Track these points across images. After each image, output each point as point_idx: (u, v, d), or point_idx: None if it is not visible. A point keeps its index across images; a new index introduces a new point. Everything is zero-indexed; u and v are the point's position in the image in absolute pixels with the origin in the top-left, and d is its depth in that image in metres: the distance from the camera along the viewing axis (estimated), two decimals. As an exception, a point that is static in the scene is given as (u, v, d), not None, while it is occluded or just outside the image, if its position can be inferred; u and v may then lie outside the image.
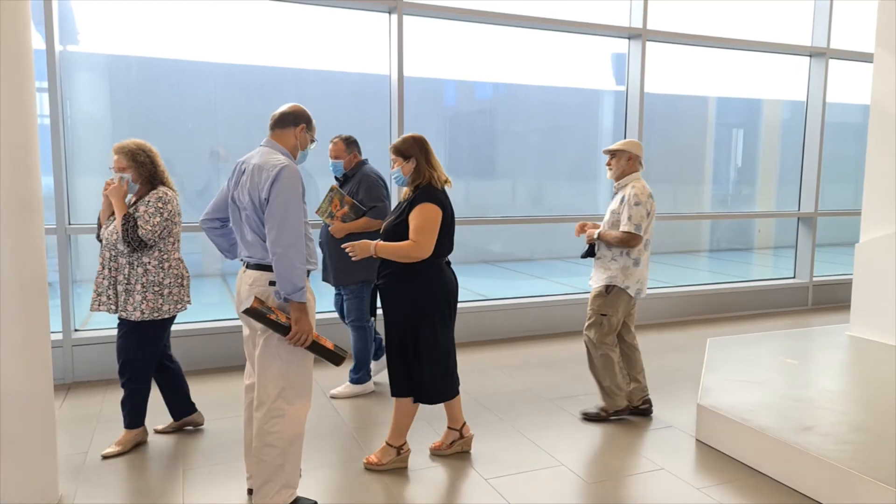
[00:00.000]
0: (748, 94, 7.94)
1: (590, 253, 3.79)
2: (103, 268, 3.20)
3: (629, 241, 3.52)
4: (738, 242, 9.00)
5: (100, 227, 3.27)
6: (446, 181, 3.04)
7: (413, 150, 2.99)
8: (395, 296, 2.98)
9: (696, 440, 3.46)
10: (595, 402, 3.90)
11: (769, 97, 8.03)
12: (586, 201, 7.12)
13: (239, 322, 4.46)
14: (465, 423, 3.33)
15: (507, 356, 5.12)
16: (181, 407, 3.55)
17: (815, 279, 7.20)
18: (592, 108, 7.16)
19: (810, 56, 7.02)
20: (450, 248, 3.05)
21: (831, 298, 7.27)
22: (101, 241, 3.24)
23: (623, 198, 3.58)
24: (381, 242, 2.93)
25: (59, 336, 4.36)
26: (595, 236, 3.68)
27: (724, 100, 8.02)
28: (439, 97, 6.98)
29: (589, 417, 3.77)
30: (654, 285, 6.74)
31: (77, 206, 4.65)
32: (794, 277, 7.32)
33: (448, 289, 3.03)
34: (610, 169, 3.69)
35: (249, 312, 2.45)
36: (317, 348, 2.59)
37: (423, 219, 2.87)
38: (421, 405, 3.12)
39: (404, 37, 5.12)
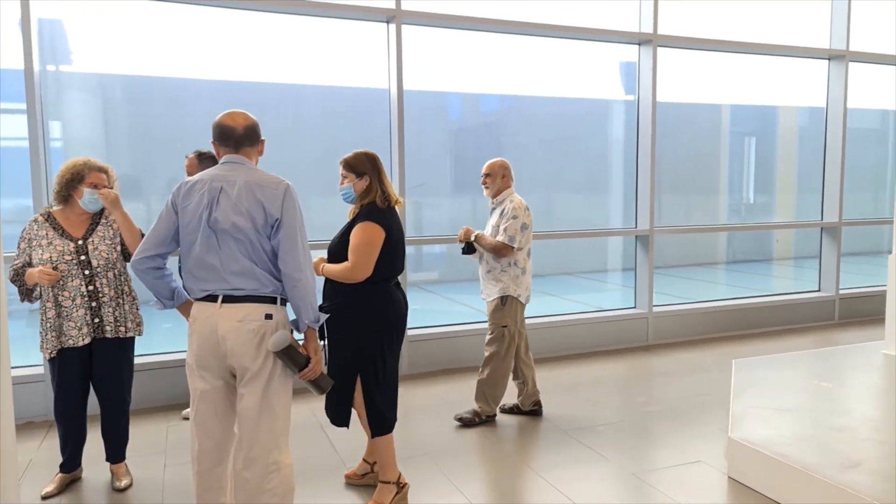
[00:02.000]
0: (763, 100, 7.66)
1: (469, 250, 3.89)
2: (75, 296, 2.95)
3: (501, 251, 3.72)
4: (757, 253, 8.66)
5: (80, 252, 2.99)
6: (396, 201, 2.88)
7: (366, 167, 2.84)
8: (338, 320, 2.78)
9: (729, 478, 3.14)
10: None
11: (785, 103, 7.73)
12: (597, 214, 6.83)
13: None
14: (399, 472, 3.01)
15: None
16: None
17: (840, 292, 6.85)
18: (601, 119, 6.91)
19: (829, 59, 6.73)
20: (398, 270, 2.90)
21: (858, 312, 6.91)
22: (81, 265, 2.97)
23: (502, 211, 3.80)
24: (327, 264, 2.84)
25: (41, 370, 4.11)
26: (472, 238, 3.82)
27: (739, 107, 7.74)
28: (444, 111, 6.81)
29: (465, 422, 3.88)
30: (670, 301, 6.44)
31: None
32: (819, 291, 6.97)
33: (395, 313, 2.87)
34: (486, 188, 3.90)
35: (287, 352, 2.21)
36: (321, 378, 2.37)
37: (362, 239, 2.73)
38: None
39: (404, 48, 4.89)
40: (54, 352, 2.96)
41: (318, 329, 2.34)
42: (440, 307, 6.86)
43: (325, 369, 2.43)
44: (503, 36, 5.59)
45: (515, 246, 3.71)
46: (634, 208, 6.04)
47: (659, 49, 5.76)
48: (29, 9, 3.94)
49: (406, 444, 3.57)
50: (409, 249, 4.01)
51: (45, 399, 4.08)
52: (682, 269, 8.27)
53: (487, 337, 3.89)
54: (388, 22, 4.90)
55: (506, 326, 3.82)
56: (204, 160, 3.74)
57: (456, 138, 6.96)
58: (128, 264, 3.08)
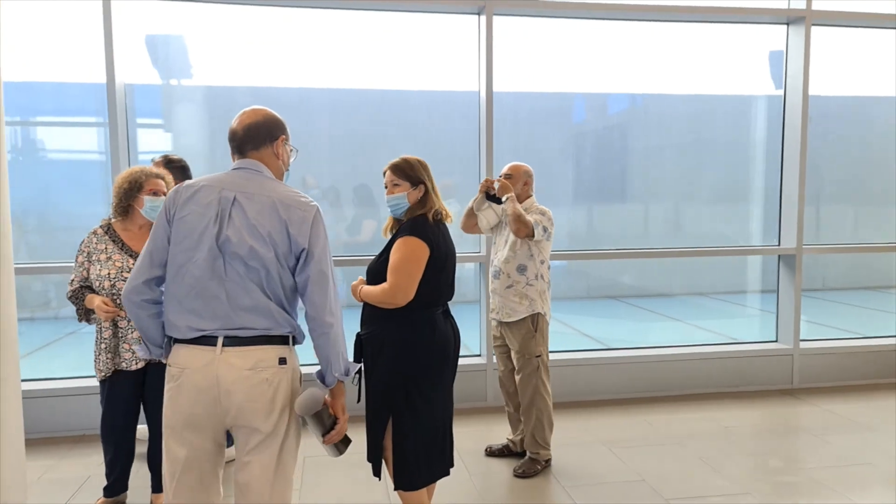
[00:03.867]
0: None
1: (493, 198, 3.34)
2: (108, 324, 2.80)
3: (523, 222, 3.14)
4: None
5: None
6: (447, 216, 2.51)
7: (422, 175, 2.48)
8: (375, 351, 2.40)
9: None
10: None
11: None
12: (735, 228, 5.85)
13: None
14: None
15: (618, 426, 4.06)
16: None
17: None
18: (744, 118, 5.93)
19: None
20: (446, 296, 2.51)
21: None
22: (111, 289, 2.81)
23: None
24: (366, 286, 2.46)
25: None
26: (504, 198, 3.23)
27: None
28: (567, 113, 6.26)
29: (527, 474, 3.29)
30: (825, 334, 5.31)
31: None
32: None
33: (442, 345, 2.44)
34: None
35: (319, 415, 1.87)
36: (345, 440, 2.00)
37: (403, 256, 2.33)
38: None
39: (503, 42, 4.40)
40: (108, 373, 2.81)
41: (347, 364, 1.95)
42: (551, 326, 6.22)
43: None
44: (627, 25, 4.91)
45: (536, 235, 3.20)
46: (778, 222, 5.05)
47: (813, 28, 4.74)
48: (111, 23, 3.90)
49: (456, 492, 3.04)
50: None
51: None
52: (844, 294, 6.94)
53: (519, 373, 3.31)
54: (478, 13, 4.41)
55: (539, 356, 3.28)
56: (174, 168, 3.31)
57: (578, 143, 6.39)
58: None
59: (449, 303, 2.55)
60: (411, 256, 2.32)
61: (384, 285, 2.34)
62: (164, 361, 1.91)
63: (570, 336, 5.75)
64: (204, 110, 5.43)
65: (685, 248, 5.17)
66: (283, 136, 1.96)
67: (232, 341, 1.78)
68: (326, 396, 1.92)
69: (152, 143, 5.48)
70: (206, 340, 1.78)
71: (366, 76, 5.14)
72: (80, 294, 2.79)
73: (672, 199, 5.97)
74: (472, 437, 3.79)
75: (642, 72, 5.64)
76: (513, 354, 3.33)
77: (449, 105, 5.33)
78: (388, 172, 2.48)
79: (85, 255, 2.84)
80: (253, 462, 1.82)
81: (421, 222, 2.40)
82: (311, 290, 1.82)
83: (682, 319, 6.30)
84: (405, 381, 2.37)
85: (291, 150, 2.02)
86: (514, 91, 5.53)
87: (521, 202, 3.33)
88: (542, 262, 3.30)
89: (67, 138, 4.96)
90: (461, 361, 4.39)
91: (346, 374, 1.91)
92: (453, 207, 4.42)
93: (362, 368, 2.41)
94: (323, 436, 1.92)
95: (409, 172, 2.45)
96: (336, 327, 1.86)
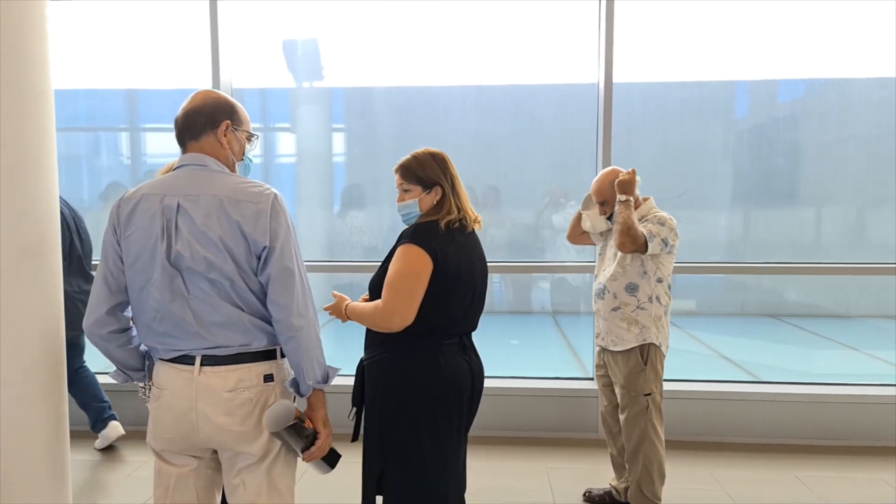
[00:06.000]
0: None
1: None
2: None
3: (632, 235, 2.58)
4: None
5: None
6: (476, 221, 2.06)
7: (436, 174, 2.02)
8: (374, 381, 2.00)
9: None
10: None
11: None
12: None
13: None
14: None
15: (757, 480, 3.35)
16: None
17: None
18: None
19: None
20: (460, 321, 2.01)
21: None
22: None
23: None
24: (352, 303, 2.04)
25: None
26: (619, 199, 2.67)
27: None
28: (729, 104, 5.57)
29: None
30: None
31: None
32: None
33: (451, 384, 1.97)
34: (603, 205, 2.87)
35: (292, 430, 1.65)
36: (332, 455, 1.79)
37: (401, 269, 1.90)
38: None
39: (627, 28, 3.86)
40: None
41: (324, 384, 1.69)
42: (687, 347, 5.49)
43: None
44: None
45: (651, 249, 2.64)
46: None
47: None
48: (217, 29, 3.95)
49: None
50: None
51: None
52: None
53: (624, 412, 2.78)
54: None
55: (649, 395, 2.73)
56: None
57: (740, 138, 5.66)
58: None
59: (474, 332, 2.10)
60: (410, 269, 1.89)
61: (378, 303, 1.93)
62: (145, 384, 1.79)
63: (708, 360, 5.03)
64: (331, 112, 5.53)
65: (867, 265, 4.24)
66: (227, 122, 1.68)
67: (210, 360, 1.62)
68: (297, 407, 1.69)
69: (285, 147, 5.69)
70: (185, 359, 1.63)
71: (489, 71, 4.87)
72: None
73: (853, 203, 5.08)
74: (572, 476, 3.32)
75: (821, 52, 4.79)
76: (617, 389, 2.84)
77: (577, 98, 4.88)
78: (396, 175, 2.07)
79: None
80: (242, 486, 1.68)
81: (426, 228, 1.97)
82: (273, 289, 1.59)
83: (858, 348, 5.29)
84: (406, 418, 1.95)
85: (250, 137, 1.76)
86: (660, 81, 4.97)
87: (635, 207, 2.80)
88: (660, 281, 2.75)
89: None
90: (566, 385, 3.95)
91: (324, 380, 1.68)
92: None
93: (362, 406, 2.05)
94: (303, 451, 1.69)
95: (419, 173, 2.02)
96: (306, 330, 1.61)
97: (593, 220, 2.89)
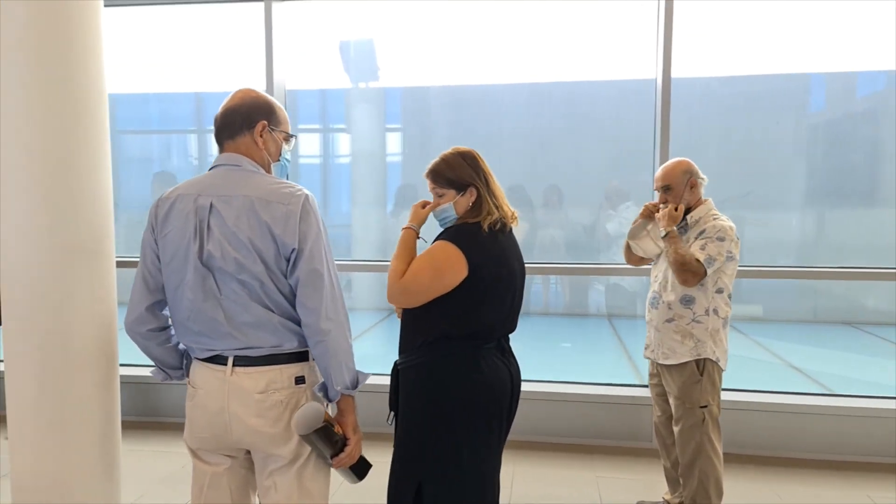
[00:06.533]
0: None
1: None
2: None
3: (689, 268, 2.48)
4: None
5: None
6: (513, 217, 1.98)
7: (468, 175, 1.94)
8: (411, 386, 1.94)
9: None
10: None
11: None
12: None
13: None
14: None
15: (825, 499, 3.16)
16: None
17: None
18: None
19: None
20: (498, 325, 1.94)
21: None
22: None
23: (700, 233, 2.61)
24: (414, 229, 2.04)
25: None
26: (663, 232, 2.58)
27: None
28: (803, 97, 5.30)
29: None
30: None
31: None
32: None
33: (493, 390, 1.89)
34: (664, 206, 2.69)
35: (321, 433, 1.62)
36: (362, 464, 1.74)
37: (430, 260, 1.86)
38: None
39: (687, 23, 3.68)
40: None
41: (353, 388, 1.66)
42: (752, 354, 5.23)
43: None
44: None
45: (710, 272, 2.50)
46: None
47: None
48: (272, 31, 4.00)
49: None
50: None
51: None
52: None
53: (678, 423, 2.63)
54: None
55: (706, 407, 2.57)
56: None
57: (814, 133, 5.38)
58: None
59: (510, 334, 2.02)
60: (437, 263, 1.84)
61: (403, 271, 1.89)
62: (184, 381, 1.78)
63: (775, 369, 4.77)
64: (385, 112, 5.54)
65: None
66: (264, 122, 1.66)
67: (242, 361, 1.61)
68: (327, 411, 1.65)
69: (341, 147, 5.76)
70: (219, 359, 1.63)
71: (543, 69, 4.76)
72: None
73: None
74: (623, 487, 3.19)
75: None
76: (671, 400, 2.69)
77: (634, 95, 4.72)
78: (427, 180, 2.00)
79: None
80: (274, 489, 1.66)
81: (469, 231, 1.89)
82: (302, 292, 1.57)
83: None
84: (438, 424, 1.88)
85: (288, 138, 1.74)
86: (722, 76, 4.75)
87: (691, 210, 2.65)
88: (720, 292, 2.57)
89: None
90: (619, 392, 3.80)
91: (353, 386, 1.65)
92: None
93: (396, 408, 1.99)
94: (332, 457, 1.65)
95: (450, 176, 1.94)
96: (334, 334, 1.59)
97: (644, 248, 2.74)
